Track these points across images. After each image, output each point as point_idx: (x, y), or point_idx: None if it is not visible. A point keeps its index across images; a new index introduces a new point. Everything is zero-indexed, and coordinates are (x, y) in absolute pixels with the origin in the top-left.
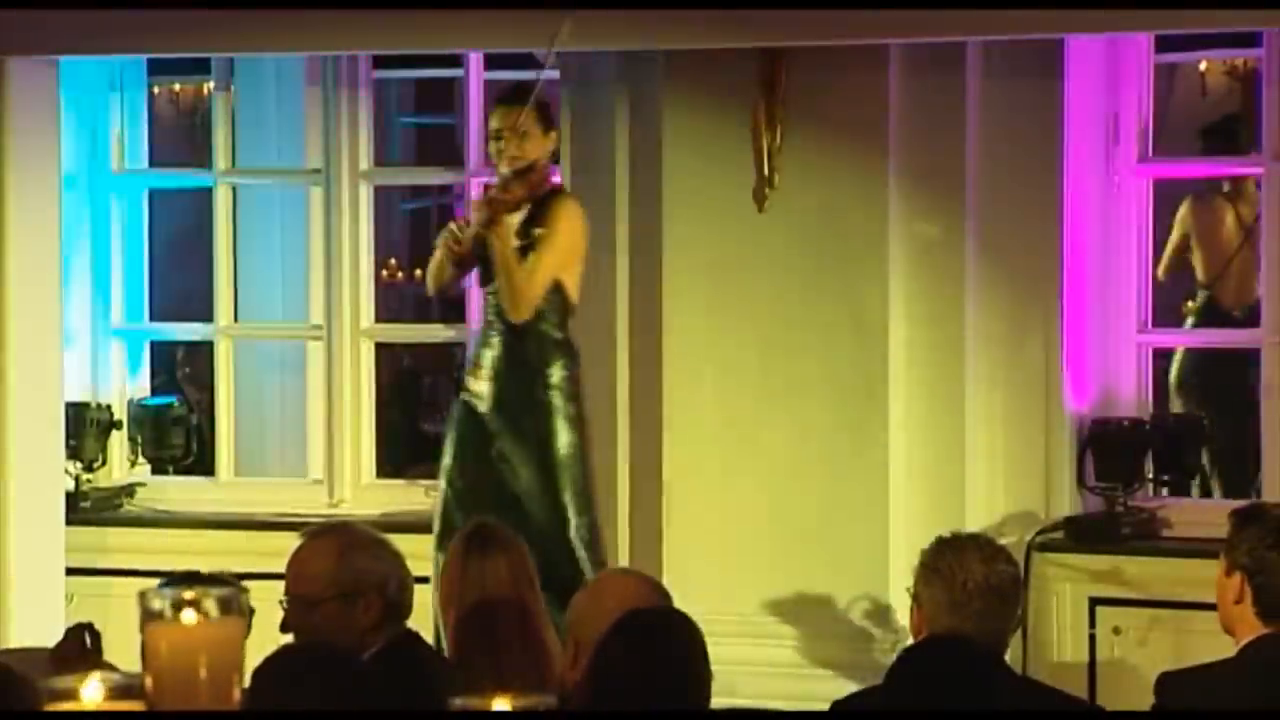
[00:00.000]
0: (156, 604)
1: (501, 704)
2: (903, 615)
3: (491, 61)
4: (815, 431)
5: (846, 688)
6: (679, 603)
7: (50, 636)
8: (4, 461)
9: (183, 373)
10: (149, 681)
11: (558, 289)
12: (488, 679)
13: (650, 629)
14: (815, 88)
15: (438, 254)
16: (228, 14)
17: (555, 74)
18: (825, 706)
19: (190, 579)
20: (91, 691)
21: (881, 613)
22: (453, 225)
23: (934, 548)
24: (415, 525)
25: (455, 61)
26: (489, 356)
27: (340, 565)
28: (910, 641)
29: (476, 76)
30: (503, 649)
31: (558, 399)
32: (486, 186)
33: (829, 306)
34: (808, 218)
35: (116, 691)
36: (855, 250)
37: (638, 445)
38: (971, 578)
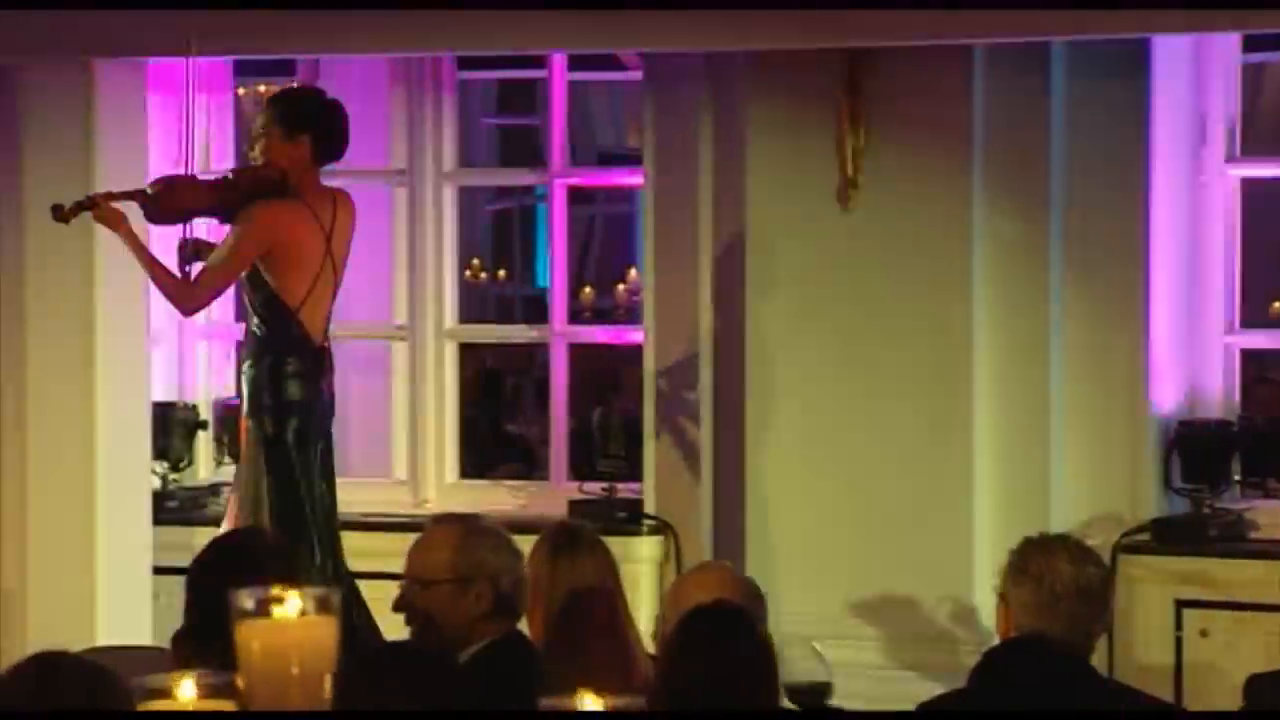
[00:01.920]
0: (248, 602)
1: (591, 704)
2: (987, 617)
3: (575, 62)
4: (899, 432)
5: (930, 689)
6: None
7: (138, 635)
8: (92, 461)
9: None
10: (242, 680)
11: (263, 287)
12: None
13: (708, 626)
14: (899, 88)
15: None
16: (313, 15)
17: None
18: (909, 708)
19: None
20: (185, 690)
21: (965, 614)
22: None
23: (1022, 548)
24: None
25: (539, 62)
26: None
27: (459, 551)
28: (996, 642)
29: (560, 77)
30: (592, 649)
31: (248, 391)
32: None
33: (912, 306)
34: (891, 217)
35: (210, 690)
36: (939, 250)
37: (721, 447)
38: (1060, 579)
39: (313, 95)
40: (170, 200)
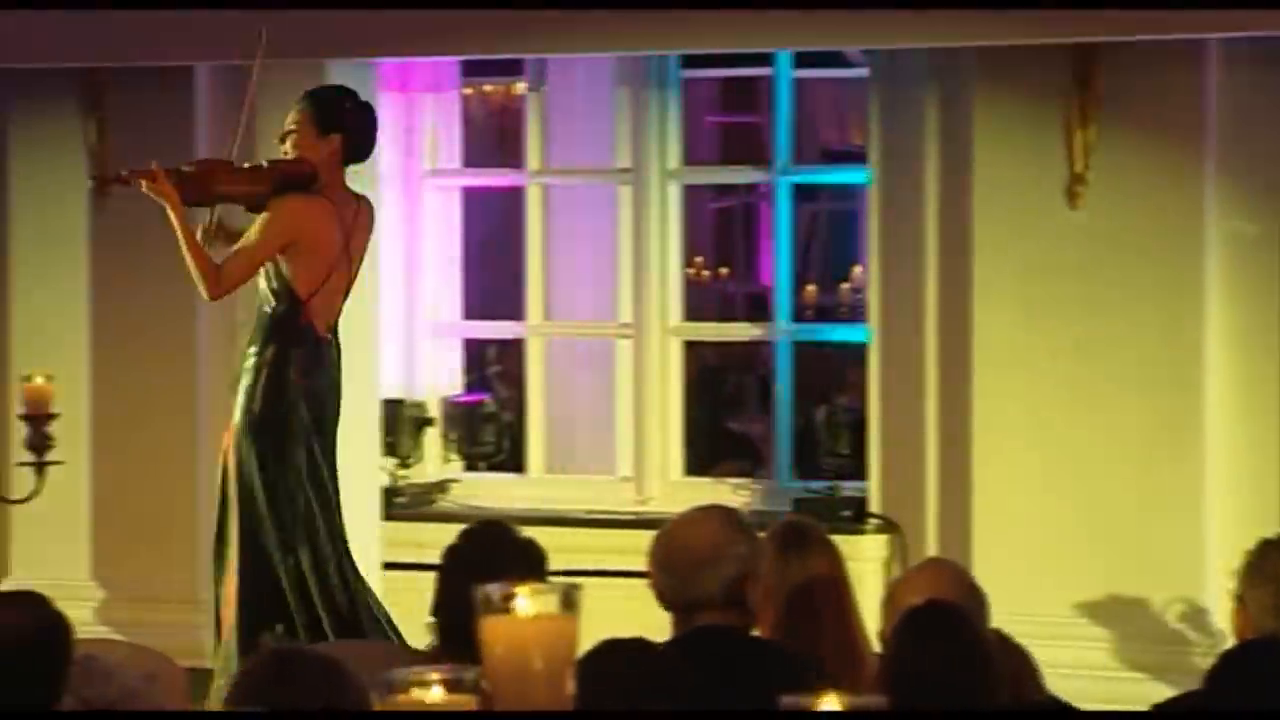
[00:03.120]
0: (493, 598)
1: (830, 704)
2: (1219, 618)
3: (800, 60)
4: (1128, 431)
5: (1160, 691)
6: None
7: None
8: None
9: (494, 371)
10: (485, 675)
11: (278, 274)
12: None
13: (927, 625)
14: (1130, 84)
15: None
16: (540, 15)
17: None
18: (1138, 710)
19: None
20: (429, 686)
21: (1197, 615)
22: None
23: (1260, 549)
24: None
25: (763, 60)
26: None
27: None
28: (1231, 644)
29: (785, 75)
30: (821, 645)
31: (247, 377)
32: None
33: (1142, 305)
34: (1121, 215)
35: (453, 685)
36: (1170, 248)
37: (947, 446)
38: None
39: (346, 96)
40: (205, 182)
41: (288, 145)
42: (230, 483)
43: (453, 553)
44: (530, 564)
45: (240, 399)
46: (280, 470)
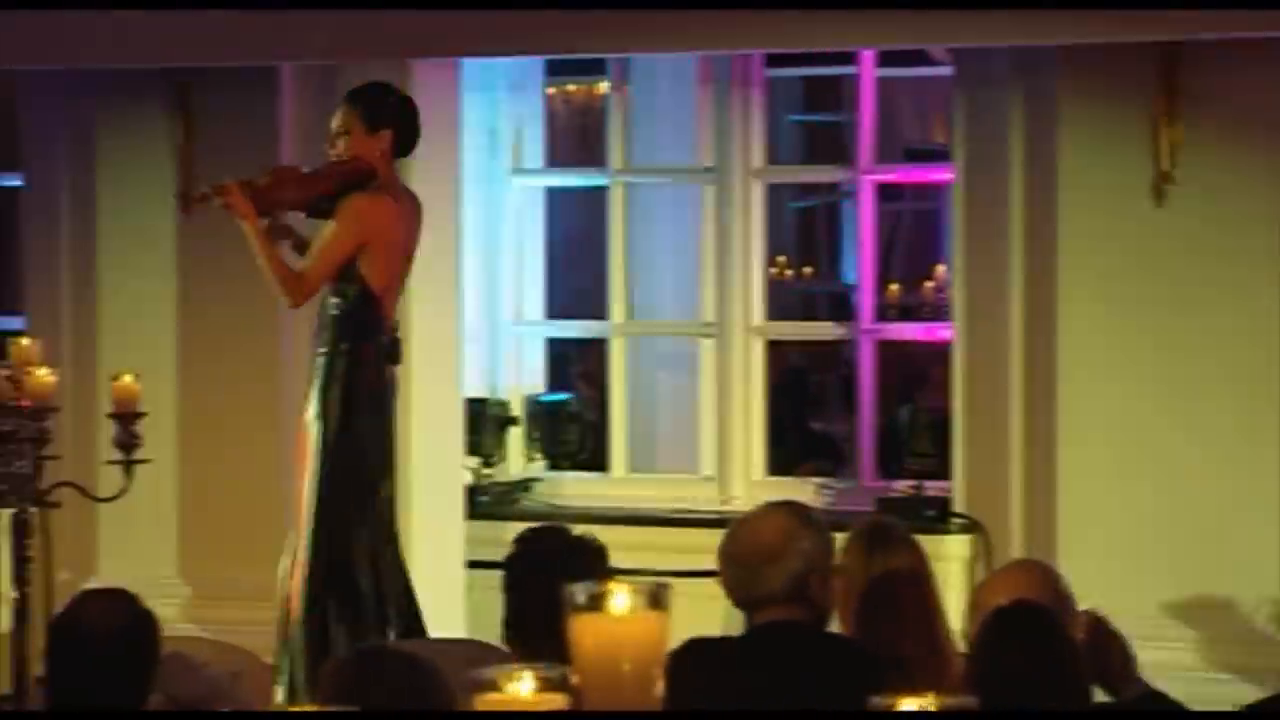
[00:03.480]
0: (580, 597)
1: (918, 704)
2: None
3: (884, 58)
4: (1215, 431)
5: (1247, 692)
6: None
7: (452, 628)
8: (407, 456)
9: (576, 370)
10: (575, 674)
11: (349, 272)
12: (892, 675)
13: (1013, 626)
14: (1217, 82)
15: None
16: (624, 14)
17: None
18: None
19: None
20: (519, 684)
21: None
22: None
23: None
24: None
25: (846, 59)
26: None
27: (785, 535)
28: None
29: (869, 73)
30: (904, 645)
31: (320, 374)
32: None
33: (1228, 303)
34: (1208, 214)
35: (545, 683)
36: (1257, 247)
37: (1031, 445)
38: None
39: (394, 92)
40: (275, 192)
41: (340, 147)
42: (303, 477)
43: (517, 560)
44: (595, 563)
45: (315, 396)
46: (355, 464)
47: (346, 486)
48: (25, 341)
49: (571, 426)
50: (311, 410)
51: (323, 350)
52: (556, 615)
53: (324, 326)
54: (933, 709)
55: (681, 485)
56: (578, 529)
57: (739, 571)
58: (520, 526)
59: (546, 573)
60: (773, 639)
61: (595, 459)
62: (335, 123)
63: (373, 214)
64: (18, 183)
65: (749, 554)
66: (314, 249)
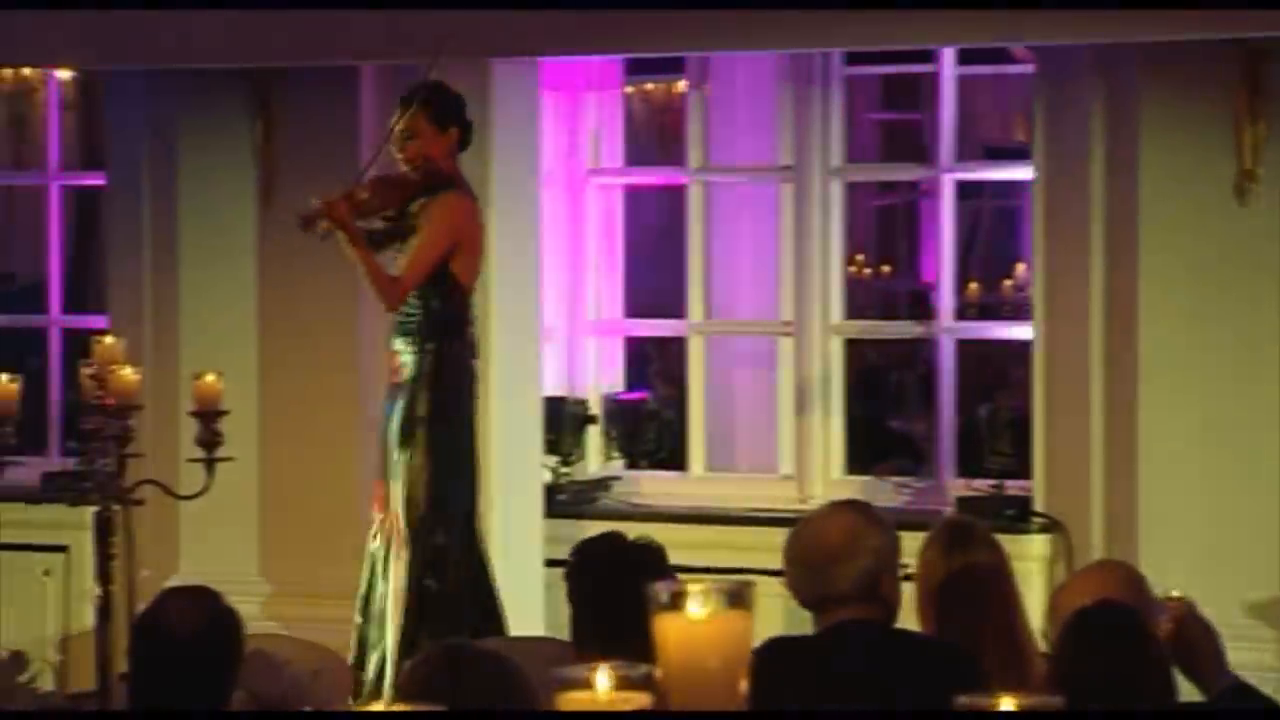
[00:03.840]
0: (662, 595)
1: (1006, 704)
2: None
3: (964, 56)
4: None
5: None
6: None
7: (531, 626)
8: (486, 454)
9: (655, 368)
10: (659, 673)
11: (444, 276)
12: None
13: (1096, 627)
14: None
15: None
16: (703, 13)
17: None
18: None
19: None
20: (602, 681)
21: None
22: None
23: None
24: None
25: (926, 57)
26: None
27: (852, 533)
28: None
29: (948, 71)
30: (984, 644)
31: (410, 372)
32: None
33: None
34: None
35: (627, 682)
36: None
37: (1113, 446)
38: None
39: (453, 90)
40: (370, 202)
41: (410, 150)
42: (391, 476)
43: (575, 572)
44: (654, 565)
45: (403, 396)
46: (453, 456)
47: (437, 483)
48: (109, 340)
49: (650, 425)
50: (401, 410)
51: (409, 349)
52: (622, 622)
53: (409, 326)
54: (1016, 709)
55: (760, 484)
56: (642, 529)
57: (807, 572)
58: (599, 526)
59: (607, 582)
60: (854, 638)
61: (673, 458)
62: (400, 125)
63: (461, 214)
64: (101, 183)
65: (817, 554)
66: (408, 253)
